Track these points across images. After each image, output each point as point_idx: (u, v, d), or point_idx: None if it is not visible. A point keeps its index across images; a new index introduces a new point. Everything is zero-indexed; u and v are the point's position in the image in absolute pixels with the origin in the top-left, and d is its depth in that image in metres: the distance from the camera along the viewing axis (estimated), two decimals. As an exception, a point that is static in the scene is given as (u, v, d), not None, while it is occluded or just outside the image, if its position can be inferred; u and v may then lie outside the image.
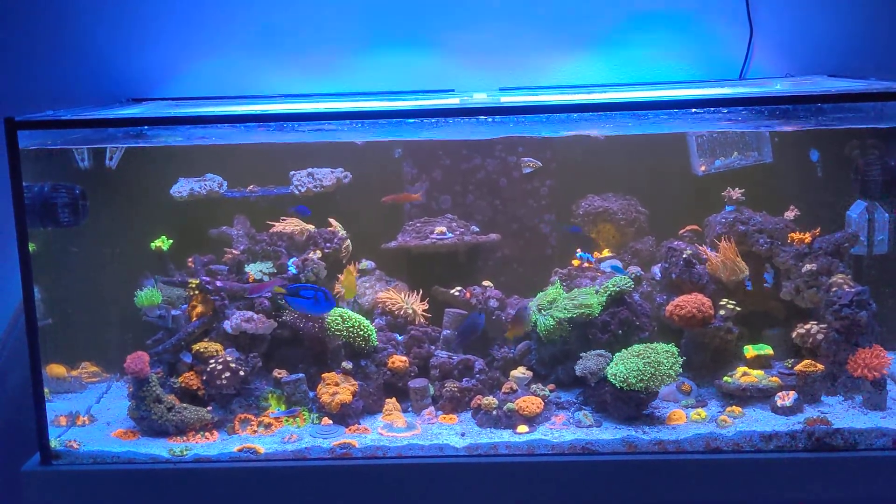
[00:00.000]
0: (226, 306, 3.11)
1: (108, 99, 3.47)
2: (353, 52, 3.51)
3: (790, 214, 3.32)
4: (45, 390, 2.84)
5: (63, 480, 2.79)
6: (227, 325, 3.07)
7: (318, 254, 3.29)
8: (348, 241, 3.39)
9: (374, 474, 2.77)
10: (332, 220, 3.39)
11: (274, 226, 3.33)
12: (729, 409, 2.91)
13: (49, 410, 2.84)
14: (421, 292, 3.31)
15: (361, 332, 3.09)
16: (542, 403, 2.93)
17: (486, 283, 3.31)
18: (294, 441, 2.85)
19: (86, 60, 3.50)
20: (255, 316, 3.08)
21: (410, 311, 3.24)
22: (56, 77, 3.50)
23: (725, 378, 3.01)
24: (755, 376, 2.99)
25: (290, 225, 3.34)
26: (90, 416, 3.07)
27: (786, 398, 2.89)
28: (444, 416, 2.99)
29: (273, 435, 2.90)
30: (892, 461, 2.69)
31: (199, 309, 3.13)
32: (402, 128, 3.02)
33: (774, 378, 2.99)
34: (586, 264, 3.31)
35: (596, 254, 3.43)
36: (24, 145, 2.71)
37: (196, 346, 3.05)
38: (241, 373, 2.97)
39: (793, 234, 3.23)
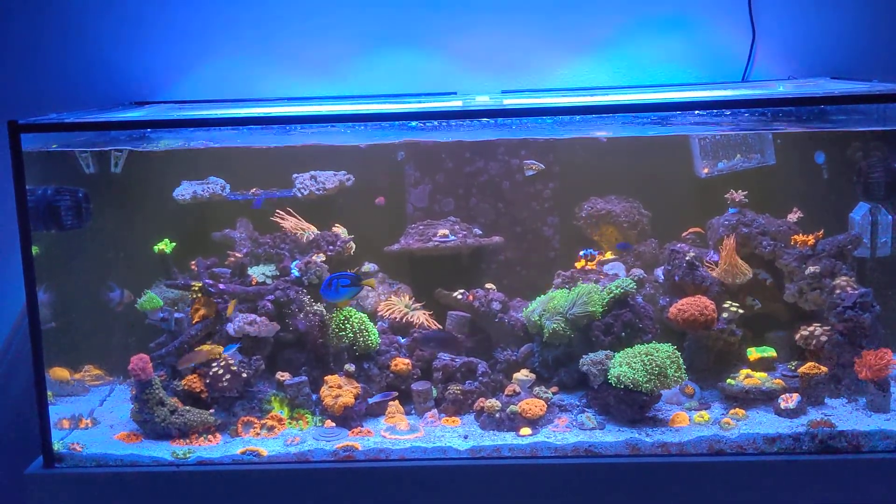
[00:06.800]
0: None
1: (110, 102, 3.47)
2: (355, 55, 3.51)
3: (793, 217, 3.31)
4: (49, 393, 2.84)
5: (66, 483, 2.79)
6: (230, 328, 3.07)
7: (322, 256, 3.28)
8: (351, 243, 3.39)
9: (377, 477, 2.77)
10: (335, 225, 3.39)
11: (279, 222, 3.34)
12: (732, 411, 2.90)
13: (52, 413, 2.84)
14: (423, 297, 3.31)
15: (364, 334, 3.09)
16: (545, 406, 2.92)
17: (488, 285, 3.30)
18: (297, 444, 2.85)
19: (89, 64, 3.51)
20: (258, 319, 3.08)
21: (414, 319, 3.23)
22: (59, 80, 3.51)
23: (728, 380, 3.00)
24: (758, 378, 2.99)
25: (293, 224, 3.34)
26: (93, 419, 3.07)
27: (789, 400, 2.88)
28: (447, 418, 2.99)
29: (276, 438, 2.90)
30: (896, 463, 2.69)
31: (202, 312, 3.14)
32: (405, 130, 3.02)
33: (778, 380, 2.99)
34: (588, 264, 3.29)
35: (599, 256, 3.42)
36: (27, 148, 2.71)
37: (199, 349, 3.05)
38: (244, 375, 2.97)
39: (796, 237, 3.22)
